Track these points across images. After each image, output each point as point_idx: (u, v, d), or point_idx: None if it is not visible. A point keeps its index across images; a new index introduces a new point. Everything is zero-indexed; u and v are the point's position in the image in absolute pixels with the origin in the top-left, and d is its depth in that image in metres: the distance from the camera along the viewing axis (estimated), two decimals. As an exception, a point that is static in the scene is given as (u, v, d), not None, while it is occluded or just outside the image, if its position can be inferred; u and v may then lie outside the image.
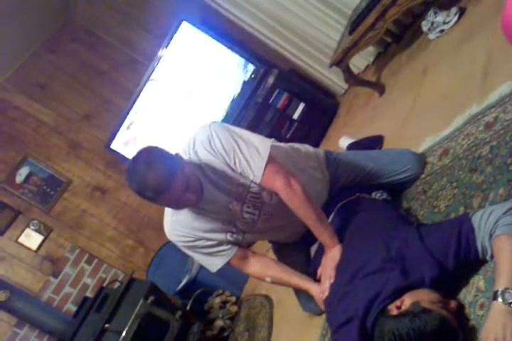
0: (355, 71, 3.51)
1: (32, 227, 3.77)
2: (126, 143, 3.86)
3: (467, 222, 1.40)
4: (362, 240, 1.74)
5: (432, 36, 2.73)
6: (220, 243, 1.94)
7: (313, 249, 2.05)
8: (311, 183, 1.95)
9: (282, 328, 2.57)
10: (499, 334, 1.14)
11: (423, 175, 1.99)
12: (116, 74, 4.21)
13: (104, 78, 4.20)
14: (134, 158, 1.74)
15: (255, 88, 3.78)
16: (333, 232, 1.82)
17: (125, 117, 3.83)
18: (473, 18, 2.47)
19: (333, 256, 1.79)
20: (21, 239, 3.71)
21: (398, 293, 1.41)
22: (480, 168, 1.64)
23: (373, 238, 1.66)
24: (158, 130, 3.90)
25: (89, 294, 3.58)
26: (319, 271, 1.86)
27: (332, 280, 1.76)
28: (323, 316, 2.06)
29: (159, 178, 1.65)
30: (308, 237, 2.02)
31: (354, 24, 2.91)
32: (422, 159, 2.03)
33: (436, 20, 2.67)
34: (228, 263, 1.96)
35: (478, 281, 1.37)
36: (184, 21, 3.70)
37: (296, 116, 3.77)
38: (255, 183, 1.82)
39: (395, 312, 1.37)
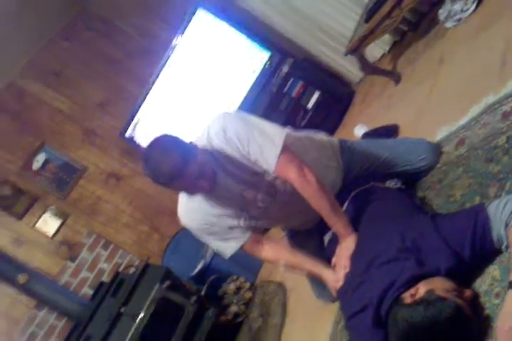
0: (371, 59, 3.49)
1: (49, 213, 3.83)
2: (141, 131, 3.88)
3: (483, 212, 1.40)
4: (376, 230, 1.74)
5: (449, 25, 2.71)
6: (233, 228, 1.95)
7: (327, 237, 2.06)
8: (325, 172, 1.95)
9: (296, 315, 2.60)
10: (514, 322, 1.15)
11: (438, 165, 1.98)
12: (131, 63, 4.23)
13: (119, 66, 4.22)
14: (149, 145, 1.77)
15: (270, 77, 3.77)
16: (347, 222, 1.83)
17: (140, 105, 3.85)
18: (491, 6, 2.44)
19: (347, 245, 1.80)
20: (39, 225, 3.77)
21: (413, 282, 1.42)
22: (496, 158, 1.63)
23: (388, 227, 1.67)
24: (173, 118, 3.92)
25: (106, 279, 3.63)
26: (333, 260, 1.86)
27: (347, 270, 1.76)
28: (337, 303, 2.08)
29: (173, 165, 1.68)
30: (321, 226, 2.03)
31: (370, 12, 2.89)
32: (437, 149, 2.03)
33: (453, 9, 2.64)
34: (242, 248, 1.97)
35: (493, 271, 1.38)
36: (200, 8, 3.69)
37: (310, 104, 3.76)
38: (269, 172, 1.83)
39: (409, 300, 1.37)
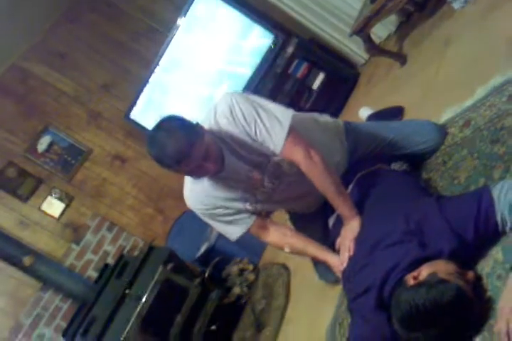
0: (377, 40, 3.45)
1: (54, 195, 3.84)
2: (146, 112, 3.86)
3: (487, 195, 1.39)
4: (381, 212, 1.74)
5: (456, 5, 2.66)
6: (239, 211, 1.95)
7: (331, 220, 2.06)
8: (330, 154, 1.94)
9: (299, 296, 2.61)
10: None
11: (443, 146, 1.97)
12: (135, 44, 4.19)
13: (123, 48, 4.19)
14: (154, 126, 1.75)
15: (274, 58, 3.73)
16: (352, 204, 1.83)
17: (143, 87, 3.83)
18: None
19: (352, 228, 1.80)
20: (44, 207, 3.79)
21: (416, 264, 1.43)
22: (502, 139, 1.62)
23: (393, 210, 1.66)
24: (178, 100, 3.90)
25: (110, 261, 3.65)
26: (338, 242, 1.87)
27: (351, 252, 1.76)
28: (340, 285, 2.09)
29: (178, 147, 1.66)
30: (326, 208, 2.03)
31: (377, -8, 2.85)
32: (442, 130, 2.01)
33: (461, -12, 2.60)
34: (247, 231, 1.98)
35: (496, 253, 1.37)
36: (203, -11, 3.64)
37: (315, 86, 3.73)
38: (275, 153, 1.82)
39: (412, 282, 1.38)
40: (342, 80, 3.76)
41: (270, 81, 3.72)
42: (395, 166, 2.02)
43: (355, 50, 3.79)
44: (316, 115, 2.11)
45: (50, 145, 3.94)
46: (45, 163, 3.90)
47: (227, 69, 3.85)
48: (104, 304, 3.09)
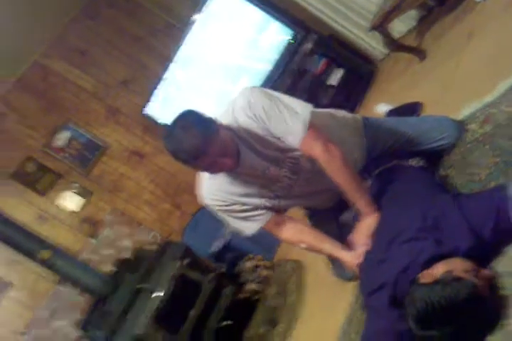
0: (396, 36, 3.40)
1: (72, 190, 3.87)
2: (164, 108, 3.87)
3: (506, 192, 1.37)
4: (398, 208, 1.72)
5: (478, -2, 2.62)
6: (256, 207, 1.94)
7: (346, 215, 2.04)
8: (348, 149, 1.92)
9: (313, 293, 2.60)
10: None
11: (463, 143, 1.93)
12: (153, 40, 4.21)
13: (141, 44, 4.21)
14: (172, 121, 1.75)
15: (293, 54, 3.71)
16: (370, 200, 1.81)
17: (158, 83, 3.83)
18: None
19: (369, 223, 1.78)
20: (62, 201, 3.83)
21: (432, 262, 1.41)
22: (523, 136, 1.59)
23: (410, 207, 1.65)
24: (196, 95, 3.90)
25: (127, 255, 3.67)
26: (354, 236, 1.85)
27: (367, 248, 1.75)
28: (354, 282, 2.07)
29: (195, 142, 1.66)
30: (342, 205, 2.01)
31: (396, -14, 2.81)
32: (461, 126, 1.98)
33: (483, -19, 2.55)
34: (263, 227, 1.97)
35: (513, 251, 1.35)
36: (221, -16, 3.64)
37: (333, 82, 3.70)
38: (294, 149, 1.81)
39: (427, 280, 1.37)
40: (360, 76, 3.73)
41: (288, 77, 3.70)
42: (413, 162, 2.00)
43: (374, 45, 3.75)
44: (334, 111, 2.09)
45: (69, 140, 3.99)
46: (63, 158, 3.94)
47: (245, 64, 3.84)
48: (120, 298, 3.11)
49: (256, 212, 1.95)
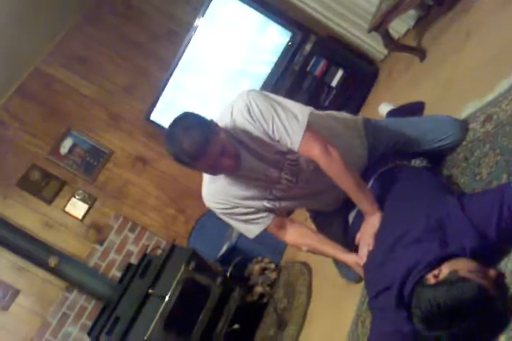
0: (395, 36, 3.41)
1: (77, 197, 3.89)
2: (166, 113, 3.88)
3: (510, 191, 1.37)
4: (402, 209, 1.72)
5: (476, -3, 2.62)
6: (257, 210, 1.95)
7: (352, 216, 2.04)
8: (349, 151, 1.93)
9: (321, 295, 2.60)
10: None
11: (465, 142, 1.94)
12: (155, 46, 4.22)
13: (143, 50, 4.22)
14: (171, 124, 1.77)
15: (292, 55, 3.72)
16: (373, 199, 1.81)
17: (163, 88, 3.85)
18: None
19: (372, 223, 1.79)
20: (68, 208, 3.84)
21: (437, 263, 1.41)
22: (524, 135, 1.59)
23: (414, 207, 1.65)
24: (197, 99, 3.91)
25: (133, 261, 3.69)
26: (357, 237, 1.85)
27: (371, 248, 1.75)
28: (362, 283, 2.07)
29: (195, 143, 1.67)
30: (346, 205, 2.02)
31: (394, -14, 2.81)
32: (463, 126, 1.98)
33: (480, -20, 2.55)
34: (265, 230, 1.98)
35: (519, 250, 1.35)
36: (220, -11, 3.65)
37: (334, 83, 3.71)
38: (293, 151, 1.81)
39: (432, 281, 1.37)
40: (361, 77, 3.73)
41: (289, 79, 3.71)
42: (415, 163, 2.00)
43: (374, 45, 3.76)
44: (335, 112, 2.10)
45: (73, 147, 4.00)
46: (68, 165, 3.95)
47: (245, 67, 3.85)
48: (128, 303, 3.13)
49: (258, 215, 1.96)
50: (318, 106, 3.28)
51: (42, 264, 3.46)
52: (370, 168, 2.00)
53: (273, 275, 3.12)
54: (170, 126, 1.76)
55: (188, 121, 1.74)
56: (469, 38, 2.50)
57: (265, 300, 3.06)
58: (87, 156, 4.00)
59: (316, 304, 2.59)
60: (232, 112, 1.81)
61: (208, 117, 1.79)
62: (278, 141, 1.80)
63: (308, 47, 3.70)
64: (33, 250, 3.47)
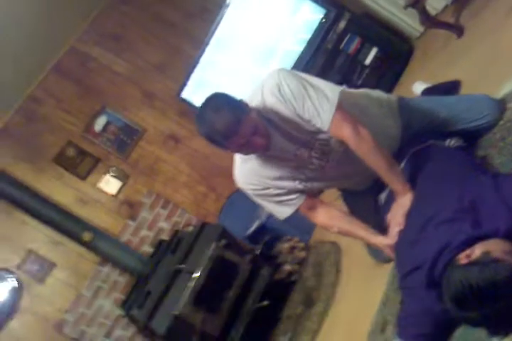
0: (432, 12, 3.31)
1: (111, 173, 3.95)
2: (198, 91, 3.89)
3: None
4: (434, 189, 1.71)
5: (519, -29, 2.52)
6: (289, 191, 1.95)
7: (383, 196, 2.03)
8: (383, 129, 1.91)
9: (350, 274, 2.61)
10: None
11: (502, 122, 1.89)
12: (188, 24, 4.21)
13: (175, 28, 4.21)
14: (202, 104, 1.78)
15: (326, 33, 3.65)
16: (404, 179, 1.79)
17: (195, 66, 3.84)
18: None
19: (403, 203, 1.77)
20: (101, 185, 3.91)
21: (469, 243, 1.40)
22: None
23: (446, 187, 1.63)
24: (229, 77, 3.89)
25: (165, 237, 3.75)
26: (388, 218, 1.84)
27: (401, 227, 1.74)
28: (391, 264, 2.06)
29: (226, 123, 1.68)
30: (377, 186, 2.00)
31: (433, -39, 2.73)
32: (501, 105, 1.93)
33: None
34: (296, 211, 1.98)
35: (554, 232, 1.32)
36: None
37: (368, 61, 3.64)
38: (323, 130, 1.80)
39: (464, 261, 1.35)
40: (396, 55, 3.65)
41: (321, 57, 3.65)
42: (450, 142, 1.96)
43: (409, 22, 3.66)
44: (368, 91, 2.07)
45: (107, 125, 4.05)
46: (101, 143, 4.01)
47: (277, 46, 3.81)
48: (159, 279, 3.19)
49: (289, 197, 1.96)
50: (351, 85, 3.25)
51: (76, 238, 3.55)
52: (404, 148, 1.97)
53: (302, 254, 3.13)
54: (201, 107, 1.78)
55: (218, 102, 1.75)
56: (510, 15, 2.42)
57: (294, 278, 3.08)
58: (121, 134, 4.05)
59: (344, 283, 2.59)
60: (262, 92, 1.80)
61: (239, 97, 1.79)
62: (308, 121, 1.79)
63: (342, 24, 3.63)
64: (67, 224, 3.57)
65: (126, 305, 3.39)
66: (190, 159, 4.11)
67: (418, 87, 2.72)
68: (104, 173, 3.93)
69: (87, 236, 3.52)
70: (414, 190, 1.78)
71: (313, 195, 2.04)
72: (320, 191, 2.20)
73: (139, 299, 3.22)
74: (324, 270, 2.77)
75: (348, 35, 3.63)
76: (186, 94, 3.92)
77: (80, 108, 4.04)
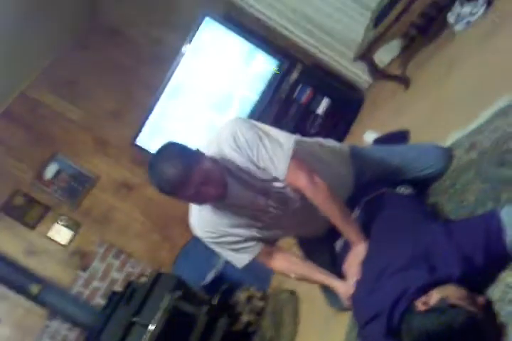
0: (380, 64, 3.47)
1: (61, 222, 3.84)
2: (152, 139, 3.88)
3: (496, 218, 1.38)
4: (388, 237, 1.73)
5: (458, 28, 2.69)
6: (246, 239, 1.94)
7: (339, 244, 2.04)
8: (335, 178, 1.94)
9: (309, 323, 2.57)
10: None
11: (450, 170, 1.96)
12: (142, 71, 4.24)
13: (130, 75, 4.24)
14: (154, 153, 1.77)
15: (279, 83, 3.77)
16: (358, 229, 1.82)
17: (149, 113, 3.86)
18: (501, 8, 2.42)
19: (358, 252, 1.79)
20: (51, 234, 3.79)
21: (425, 290, 1.41)
22: (508, 162, 1.61)
23: (400, 235, 1.66)
24: (183, 125, 3.92)
25: (118, 288, 3.63)
26: (345, 267, 1.85)
27: (358, 278, 1.75)
28: (349, 312, 2.05)
29: (176, 173, 1.66)
30: (333, 233, 2.02)
31: (379, 17, 2.89)
32: (448, 153, 2.00)
33: (462, 12, 2.63)
34: (254, 259, 1.97)
35: (506, 277, 1.35)
36: (207, 17, 3.70)
37: (320, 111, 3.75)
38: (279, 179, 1.82)
39: (421, 308, 1.36)
40: (347, 105, 3.78)
41: (275, 106, 3.75)
42: (401, 190, 2.01)
43: (359, 74, 3.82)
44: (321, 140, 2.11)
45: (58, 172, 3.97)
46: (52, 191, 3.92)
47: (232, 94, 3.88)
48: (112, 332, 3.05)
49: (247, 244, 1.95)
50: (304, 133, 3.30)
51: (23, 292, 3.39)
52: (356, 196, 2.01)
53: (260, 304, 3.08)
54: (153, 156, 1.77)
55: (170, 151, 1.75)
56: (453, 68, 2.56)
57: (252, 329, 3.01)
58: (72, 181, 3.98)
59: (303, 333, 2.55)
60: (219, 141, 1.82)
61: (195, 145, 1.80)
62: (264, 170, 1.81)
63: (294, 75, 3.75)
64: (14, 277, 3.41)
65: (75, 361, 3.22)
66: (144, 207, 4.05)
67: (369, 136, 2.81)
68: (54, 222, 3.82)
69: (34, 288, 3.37)
70: (369, 238, 1.80)
71: (270, 242, 2.03)
72: (277, 238, 2.20)
73: (89, 355, 3.07)
74: (283, 319, 2.73)
75: (300, 86, 3.75)
76: (141, 141, 3.91)
77: (30, 155, 3.96)
